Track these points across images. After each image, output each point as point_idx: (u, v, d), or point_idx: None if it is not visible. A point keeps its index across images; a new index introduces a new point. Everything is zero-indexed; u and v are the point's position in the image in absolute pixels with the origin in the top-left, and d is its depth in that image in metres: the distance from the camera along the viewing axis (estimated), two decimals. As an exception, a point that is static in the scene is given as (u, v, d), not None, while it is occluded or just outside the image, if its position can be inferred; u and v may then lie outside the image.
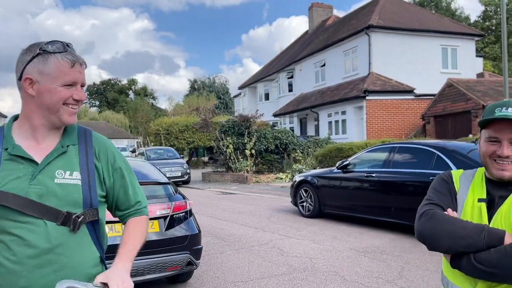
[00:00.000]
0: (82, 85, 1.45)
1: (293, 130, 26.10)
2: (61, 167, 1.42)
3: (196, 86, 51.20)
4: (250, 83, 36.23)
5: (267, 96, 32.78)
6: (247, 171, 17.40)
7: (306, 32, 34.72)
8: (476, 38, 23.44)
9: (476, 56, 24.39)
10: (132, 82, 71.84)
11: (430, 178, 6.13)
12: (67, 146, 1.47)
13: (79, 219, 1.41)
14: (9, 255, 1.34)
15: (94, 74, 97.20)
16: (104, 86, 74.00)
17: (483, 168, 1.55)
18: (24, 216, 1.34)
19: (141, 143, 31.37)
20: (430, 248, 1.44)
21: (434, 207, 1.48)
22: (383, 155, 7.58)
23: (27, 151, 1.41)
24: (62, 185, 1.40)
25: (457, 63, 21.92)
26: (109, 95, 71.07)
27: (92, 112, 70.24)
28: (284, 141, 18.55)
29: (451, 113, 15.84)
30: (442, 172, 1.65)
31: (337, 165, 8.39)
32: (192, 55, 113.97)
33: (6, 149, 1.40)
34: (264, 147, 18.29)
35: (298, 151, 18.58)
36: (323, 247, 6.23)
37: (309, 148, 18.74)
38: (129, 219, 1.62)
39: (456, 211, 1.49)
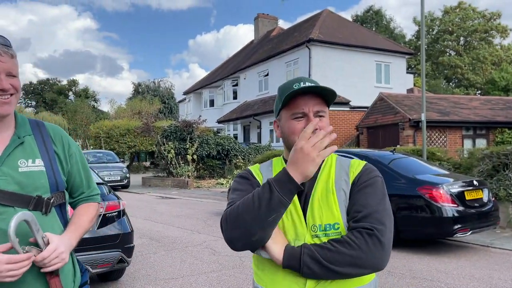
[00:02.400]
0: (11, 75, 1.42)
1: (236, 137, 26.57)
2: (23, 157, 1.45)
3: (140, 90, 50.20)
4: (196, 89, 36.31)
5: (212, 103, 33.01)
6: (188, 176, 17.54)
7: (252, 41, 35.46)
8: (407, 56, 25.26)
9: (408, 72, 26.26)
10: (73, 83, 69.00)
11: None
12: (23, 136, 1.50)
13: (51, 201, 1.46)
14: None
15: (29, 73, 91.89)
16: (42, 85, 70.36)
17: (278, 158, 1.51)
18: None
19: (80, 146, 30.36)
20: (244, 246, 1.28)
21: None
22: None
23: None
24: (27, 173, 1.43)
25: (389, 78, 23.48)
26: (47, 96, 67.70)
27: (27, 112, 66.48)
28: (226, 147, 18.90)
29: (382, 124, 16.99)
30: (244, 171, 1.53)
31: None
32: (137, 58, 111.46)
33: None
34: (206, 153, 18.53)
35: (240, 157, 19.01)
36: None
37: (250, 154, 19.23)
38: (80, 204, 1.65)
39: None
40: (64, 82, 70.67)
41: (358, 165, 1.42)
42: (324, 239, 1.30)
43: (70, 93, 71.26)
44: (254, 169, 1.51)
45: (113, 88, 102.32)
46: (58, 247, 1.37)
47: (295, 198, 1.34)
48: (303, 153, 1.19)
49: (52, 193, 1.48)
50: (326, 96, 1.39)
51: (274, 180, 1.22)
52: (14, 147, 1.45)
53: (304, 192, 1.36)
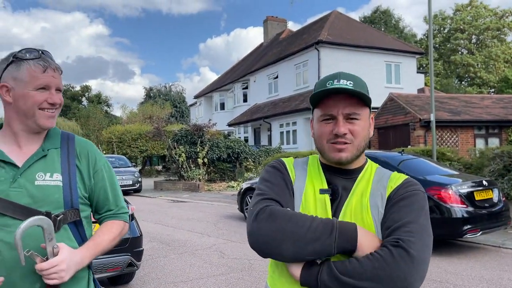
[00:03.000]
0: (58, 90, 1.47)
1: (247, 140, 26.66)
2: (42, 170, 1.45)
3: (151, 94, 50.72)
4: (206, 93, 36.51)
5: (222, 106, 33.15)
6: (199, 180, 17.65)
7: (261, 44, 35.56)
8: (417, 56, 25.06)
9: (418, 72, 26.04)
10: (86, 88, 69.94)
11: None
12: (48, 150, 1.49)
13: (58, 218, 1.41)
14: None
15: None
16: (55, 92, 71.48)
17: (315, 155, 1.40)
18: (5, 217, 1.36)
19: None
20: (266, 255, 1.18)
21: (271, 203, 1.22)
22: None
23: (9, 155, 1.44)
24: (42, 187, 1.42)
25: (400, 78, 23.33)
26: (60, 102, 68.64)
27: (41, 118, 67.38)
28: (236, 150, 18.97)
29: (392, 125, 16.89)
30: (275, 160, 1.40)
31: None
32: (148, 62, 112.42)
33: None
34: (217, 156, 18.63)
35: (250, 160, 19.06)
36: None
37: (261, 157, 19.27)
38: (105, 222, 1.61)
39: (294, 206, 1.27)
40: (78, 88, 71.75)
41: (398, 178, 1.29)
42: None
43: (83, 98, 72.31)
44: (288, 162, 1.38)
45: (125, 93, 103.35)
46: (61, 263, 1.33)
47: (328, 208, 1.24)
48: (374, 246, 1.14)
49: (65, 209, 1.45)
50: (362, 98, 1.25)
51: (339, 229, 1.12)
52: (36, 160, 1.45)
53: (336, 202, 1.26)
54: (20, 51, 1.44)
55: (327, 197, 1.25)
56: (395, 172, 1.35)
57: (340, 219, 1.20)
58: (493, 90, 41.71)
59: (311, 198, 1.26)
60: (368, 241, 1.13)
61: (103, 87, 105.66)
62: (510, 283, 4.80)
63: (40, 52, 1.45)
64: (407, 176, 1.31)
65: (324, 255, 1.11)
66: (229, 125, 29.14)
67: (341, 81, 1.23)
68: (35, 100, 1.42)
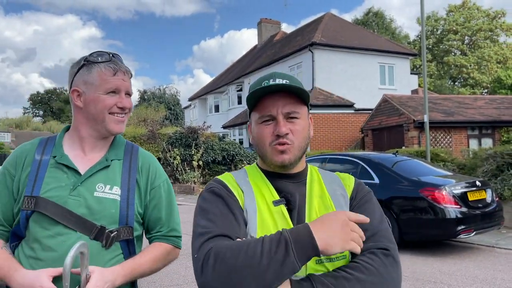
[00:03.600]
0: (128, 94, 1.43)
1: (242, 142, 26.62)
2: (102, 181, 1.39)
3: (146, 97, 50.59)
4: (201, 95, 36.50)
5: (217, 108, 33.15)
6: (194, 182, 17.62)
7: (255, 46, 35.62)
8: (411, 57, 25.21)
9: (412, 73, 26.19)
10: (79, 91, 69.69)
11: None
12: (111, 160, 1.44)
13: (112, 235, 1.35)
14: (37, 265, 1.29)
15: (35, 82, 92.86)
16: (49, 95, 71.24)
17: (250, 166, 1.29)
18: (59, 225, 1.31)
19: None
20: None
21: (216, 241, 1.03)
22: (315, 166, 8.19)
23: (73, 161, 1.40)
24: (100, 199, 1.36)
25: (394, 80, 23.45)
26: (55, 105, 68.45)
27: (35, 122, 67.24)
28: (231, 152, 18.98)
29: (387, 126, 16.97)
30: (211, 182, 1.22)
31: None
32: (142, 65, 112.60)
33: (54, 156, 1.40)
34: (212, 158, 18.61)
35: (245, 162, 19.07)
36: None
37: (256, 158, 19.21)
38: (153, 242, 1.51)
39: (250, 228, 1.11)
40: (71, 91, 71.35)
41: (348, 178, 1.29)
42: (328, 264, 1.09)
43: (77, 102, 71.51)
44: (229, 180, 1.21)
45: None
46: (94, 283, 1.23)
47: (288, 219, 1.13)
48: (344, 226, 0.99)
49: (120, 226, 1.37)
50: (300, 94, 1.18)
51: (293, 240, 0.96)
52: (99, 169, 1.40)
53: (295, 210, 1.16)
54: (91, 54, 1.41)
55: (283, 208, 1.15)
56: (337, 171, 1.34)
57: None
58: (486, 90, 42.02)
59: (266, 214, 1.13)
60: (325, 235, 0.98)
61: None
62: (504, 283, 4.84)
63: (111, 55, 1.41)
64: (349, 174, 1.31)
65: (290, 275, 0.96)
66: (224, 127, 29.14)
67: (277, 79, 1.17)
68: (105, 104, 1.38)
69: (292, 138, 1.16)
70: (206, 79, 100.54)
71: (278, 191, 1.18)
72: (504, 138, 16.06)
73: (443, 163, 9.51)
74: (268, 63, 26.00)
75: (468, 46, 44.80)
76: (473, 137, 16.26)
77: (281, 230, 1.01)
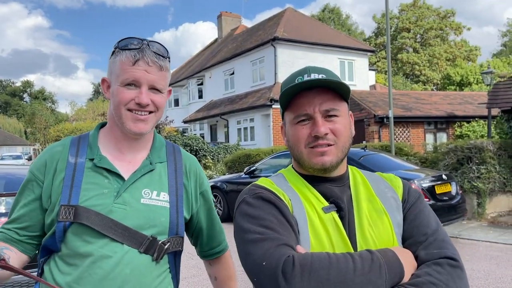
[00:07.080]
0: (155, 89, 1.21)
1: (203, 137, 26.34)
2: (148, 186, 1.23)
3: (100, 90, 48.96)
4: (159, 89, 35.68)
5: (176, 102, 32.58)
6: (157, 178, 17.26)
7: (216, 40, 35.28)
8: (369, 54, 25.89)
9: (369, 69, 26.93)
10: (27, 84, 66.35)
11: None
12: (156, 163, 1.29)
13: (166, 246, 1.21)
14: (79, 284, 1.14)
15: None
16: (-6, 87, 67.21)
17: (286, 170, 1.20)
18: (105, 238, 1.15)
19: (39, 150, 29.20)
20: None
21: (288, 250, 0.95)
22: (285, 161, 8.22)
23: (113, 163, 1.23)
24: (149, 207, 1.20)
25: (353, 76, 23.99)
26: (0, 98, 64.75)
27: (-21, 116, 63.30)
28: (195, 147, 18.71)
29: (348, 121, 17.39)
30: (254, 188, 1.11)
31: (244, 170, 8.88)
32: (92, 57, 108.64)
33: (92, 159, 1.23)
34: (174, 154, 18.27)
35: (209, 157, 18.87)
36: (232, 249, 6.58)
37: (219, 154, 19.13)
38: (217, 257, 1.46)
39: (302, 239, 1.03)
40: (18, 83, 67.95)
41: (395, 178, 1.21)
42: None
43: (25, 94, 68.51)
44: (270, 185, 1.11)
45: (67, 88, 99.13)
46: None
47: (341, 227, 1.05)
48: (412, 261, 1.01)
49: (170, 236, 1.23)
50: (339, 89, 1.08)
51: (386, 262, 0.94)
52: (143, 174, 1.24)
53: (346, 217, 1.08)
54: (122, 39, 1.22)
55: (335, 215, 1.06)
56: (378, 171, 1.27)
57: (357, 231, 1.05)
58: (435, 87, 43.99)
59: (317, 222, 1.04)
60: (408, 264, 0.98)
61: (43, 82, 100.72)
62: (474, 273, 5.05)
63: (144, 42, 1.20)
64: (394, 175, 1.24)
65: None
66: (185, 121, 28.70)
67: (312, 74, 1.08)
68: (122, 98, 1.18)
69: (333, 138, 1.07)
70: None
71: (325, 196, 1.09)
72: (457, 133, 16.88)
73: (406, 157, 9.84)
74: (230, 57, 25.81)
75: (420, 43, 46.64)
76: (429, 131, 16.97)
77: (365, 249, 0.98)
